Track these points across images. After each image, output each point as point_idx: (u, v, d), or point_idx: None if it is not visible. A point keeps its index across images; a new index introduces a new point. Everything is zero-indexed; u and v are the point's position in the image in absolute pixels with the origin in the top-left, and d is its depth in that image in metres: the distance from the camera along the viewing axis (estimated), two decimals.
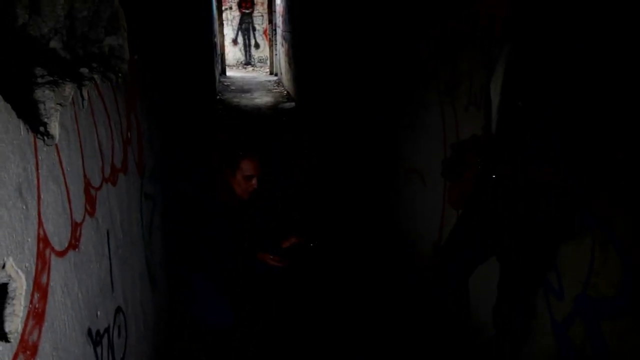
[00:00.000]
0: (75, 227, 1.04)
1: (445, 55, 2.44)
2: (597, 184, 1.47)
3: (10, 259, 0.75)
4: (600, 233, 1.48)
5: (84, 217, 1.10)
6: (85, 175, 1.11)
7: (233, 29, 14.21)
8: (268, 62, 12.87)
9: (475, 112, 2.20)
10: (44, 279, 0.86)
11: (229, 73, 12.39)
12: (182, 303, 2.29)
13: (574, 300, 1.63)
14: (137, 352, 1.58)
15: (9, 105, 0.75)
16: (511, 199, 1.56)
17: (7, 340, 0.73)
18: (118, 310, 1.36)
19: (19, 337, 0.77)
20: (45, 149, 0.89)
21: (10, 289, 0.76)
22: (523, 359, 1.89)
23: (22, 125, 0.80)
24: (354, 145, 4.45)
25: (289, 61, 9.36)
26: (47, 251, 0.88)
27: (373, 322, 2.41)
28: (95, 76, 1.20)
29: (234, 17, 14.14)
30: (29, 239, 0.81)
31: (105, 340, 1.22)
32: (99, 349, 1.16)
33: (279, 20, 10.82)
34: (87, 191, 1.12)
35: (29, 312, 0.80)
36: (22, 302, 0.78)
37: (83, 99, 1.10)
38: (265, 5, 13.07)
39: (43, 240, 0.87)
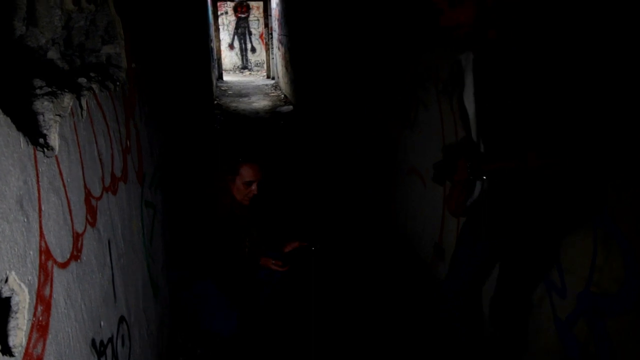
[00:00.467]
0: (77, 237, 1.04)
1: (443, 54, 2.45)
2: (599, 180, 1.47)
3: (13, 272, 0.75)
4: (603, 229, 1.48)
5: (85, 227, 1.09)
6: (85, 186, 1.11)
7: (229, 34, 14.24)
8: (265, 66, 12.91)
9: None
10: (46, 292, 0.86)
11: (226, 78, 12.41)
12: (185, 309, 2.28)
13: (577, 297, 1.63)
14: None
15: (8, 118, 0.75)
16: (507, 200, 1.56)
17: (11, 354, 0.73)
18: (121, 319, 1.35)
19: (23, 350, 0.76)
20: (45, 160, 0.88)
21: (13, 302, 0.76)
22: (526, 358, 1.88)
23: (21, 138, 0.79)
24: (353, 146, 4.45)
25: (285, 65, 9.37)
26: (50, 263, 0.88)
27: (378, 327, 2.40)
28: (94, 86, 1.20)
29: (230, 22, 14.17)
30: (31, 252, 0.81)
31: (109, 350, 1.21)
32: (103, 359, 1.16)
33: (275, 24, 10.84)
34: (87, 201, 1.12)
35: (32, 325, 0.80)
36: (26, 316, 0.78)
37: (82, 109, 1.10)
38: (261, 10, 13.10)
39: (45, 253, 0.86)
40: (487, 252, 1.72)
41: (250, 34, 14.30)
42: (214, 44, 10.96)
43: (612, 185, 1.43)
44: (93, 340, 1.09)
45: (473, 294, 1.80)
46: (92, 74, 1.23)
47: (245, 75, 13.55)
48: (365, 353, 2.21)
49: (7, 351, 0.73)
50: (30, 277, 0.80)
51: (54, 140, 0.93)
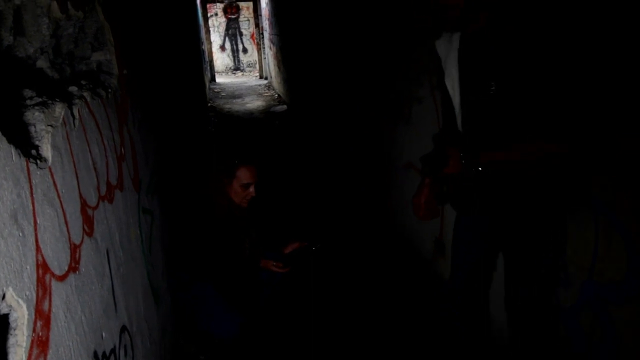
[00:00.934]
0: (74, 249, 1.02)
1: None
2: (597, 168, 1.47)
3: (10, 288, 0.73)
4: (603, 217, 1.47)
5: (83, 238, 1.08)
6: (81, 196, 1.09)
7: (220, 35, 14.18)
8: (257, 66, 12.86)
9: None
10: (45, 306, 0.84)
11: (218, 79, 12.36)
12: (186, 314, 2.26)
13: (580, 287, 1.62)
14: None
15: None
16: (502, 192, 1.52)
17: None
18: (123, 329, 1.34)
19: None
20: (38, 172, 0.87)
21: (11, 319, 0.75)
22: (532, 348, 1.88)
23: (13, 151, 0.78)
24: (349, 143, 4.43)
25: (278, 64, 9.34)
26: (47, 277, 0.86)
27: (378, 327, 2.39)
28: (85, 94, 1.19)
29: (220, 24, 14.11)
30: (28, 267, 0.79)
31: None
32: None
33: (266, 23, 10.80)
34: (84, 211, 1.10)
35: (32, 341, 0.78)
36: (25, 332, 0.76)
37: (74, 118, 1.08)
38: (251, 10, 13.05)
39: (42, 266, 0.85)
40: (482, 249, 1.71)
41: (241, 34, 14.24)
42: (205, 46, 10.91)
43: (609, 174, 1.43)
44: (95, 353, 1.08)
45: (472, 292, 1.78)
46: (83, 82, 1.21)
47: (237, 77, 13.50)
48: (365, 354, 2.20)
49: None
50: (28, 293, 0.78)
51: (47, 151, 0.92)
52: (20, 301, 0.76)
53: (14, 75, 0.98)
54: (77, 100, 1.11)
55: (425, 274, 2.78)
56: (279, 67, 9.27)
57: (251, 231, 2.33)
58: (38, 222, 0.85)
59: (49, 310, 0.86)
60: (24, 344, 0.76)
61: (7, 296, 0.72)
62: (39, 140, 0.91)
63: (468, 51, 1.47)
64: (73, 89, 1.13)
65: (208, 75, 10.53)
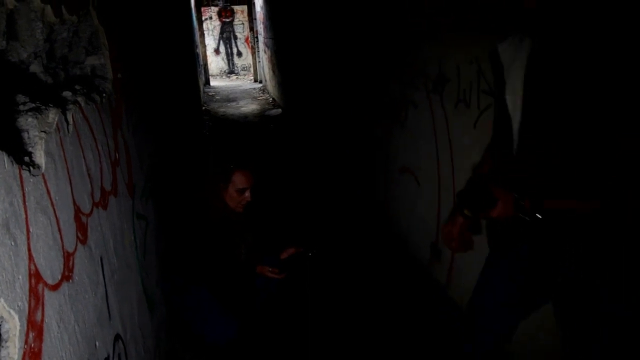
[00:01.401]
0: (68, 257, 1.00)
1: (432, 51, 2.44)
2: None
3: (2, 299, 0.71)
4: None
5: (76, 246, 1.06)
6: (74, 202, 1.07)
7: (214, 39, 14.16)
8: (251, 69, 12.85)
9: (464, 109, 2.19)
10: (38, 317, 0.82)
11: (213, 83, 12.33)
12: (181, 318, 2.24)
13: None
14: None
15: None
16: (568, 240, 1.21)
17: None
18: (117, 337, 1.32)
19: None
20: (31, 179, 0.85)
21: (3, 330, 0.73)
22: None
23: (5, 158, 0.76)
24: (345, 146, 4.43)
25: (272, 68, 9.34)
26: (40, 286, 0.85)
27: (375, 332, 2.38)
28: (79, 99, 1.17)
29: (214, 27, 14.09)
30: (20, 277, 0.77)
31: None
32: None
33: (260, 27, 10.80)
34: (77, 218, 1.08)
35: (24, 353, 0.76)
36: (17, 344, 0.74)
37: (68, 123, 1.06)
38: (246, 13, 13.05)
39: (35, 276, 0.83)
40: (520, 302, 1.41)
41: (235, 38, 14.22)
42: (199, 50, 10.87)
43: None
44: None
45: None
46: (77, 87, 1.20)
47: (232, 80, 13.48)
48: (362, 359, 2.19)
49: None
50: (20, 303, 0.77)
51: (40, 157, 0.90)
52: (12, 312, 0.74)
53: (6, 80, 0.96)
54: (71, 106, 1.10)
55: (422, 279, 2.77)
56: (273, 71, 9.26)
57: (247, 235, 2.31)
58: (31, 230, 0.83)
59: (42, 320, 0.84)
60: (16, 357, 0.74)
61: None
62: (32, 147, 0.89)
63: (542, 63, 1.16)
64: (67, 94, 1.11)
65: (202, 78, 10.51)
